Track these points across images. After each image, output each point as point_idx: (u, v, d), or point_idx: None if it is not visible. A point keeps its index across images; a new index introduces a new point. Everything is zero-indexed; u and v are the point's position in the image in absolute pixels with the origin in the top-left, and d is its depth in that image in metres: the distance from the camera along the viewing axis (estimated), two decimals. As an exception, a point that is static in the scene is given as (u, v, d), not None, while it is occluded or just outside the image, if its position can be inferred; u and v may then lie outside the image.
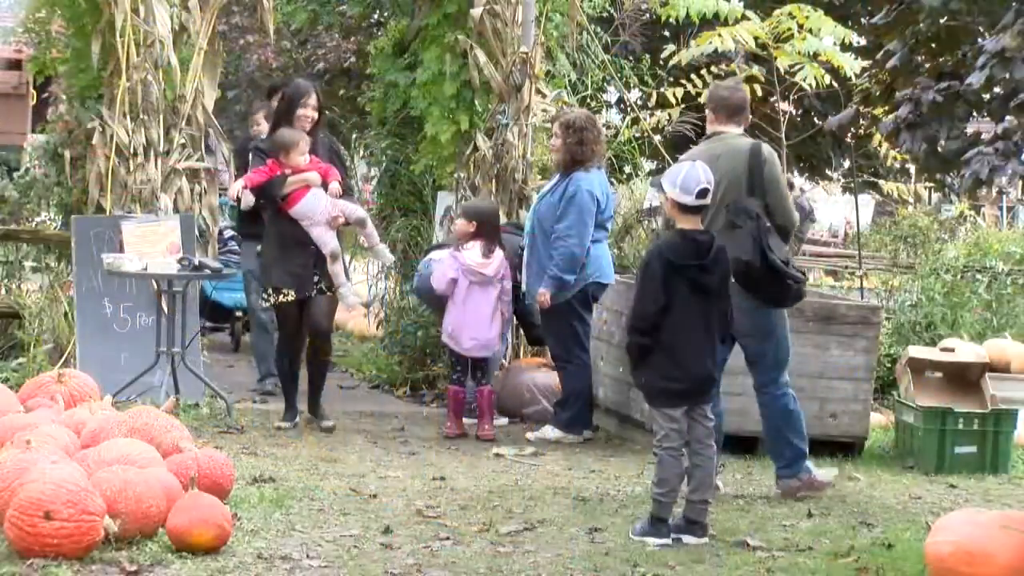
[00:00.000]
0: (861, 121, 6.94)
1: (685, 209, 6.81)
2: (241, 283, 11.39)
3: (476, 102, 10.95)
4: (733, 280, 7.10)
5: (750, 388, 8.92)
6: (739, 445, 8.92)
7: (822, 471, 7.98)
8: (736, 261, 7.19)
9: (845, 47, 11.99)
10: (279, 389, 9.86)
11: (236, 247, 11.72)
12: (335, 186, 9.15)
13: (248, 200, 9.21)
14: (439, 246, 10.35)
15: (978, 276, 12.52)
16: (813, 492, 7.81)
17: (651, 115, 12.23)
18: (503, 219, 10.20)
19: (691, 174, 6.79)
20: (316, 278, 9.13)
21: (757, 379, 7.93)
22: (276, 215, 9.16)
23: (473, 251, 9.26)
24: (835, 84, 11.78)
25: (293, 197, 9.04)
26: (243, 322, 12.78)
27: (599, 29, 12.68)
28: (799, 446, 7.82)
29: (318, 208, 9.07)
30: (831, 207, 26.57)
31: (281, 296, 9.13)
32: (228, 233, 12.13)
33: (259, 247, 9.65)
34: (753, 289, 7.49)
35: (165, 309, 9.37)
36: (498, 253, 9.33)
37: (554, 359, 9.70)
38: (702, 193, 6.77)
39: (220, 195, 11.60)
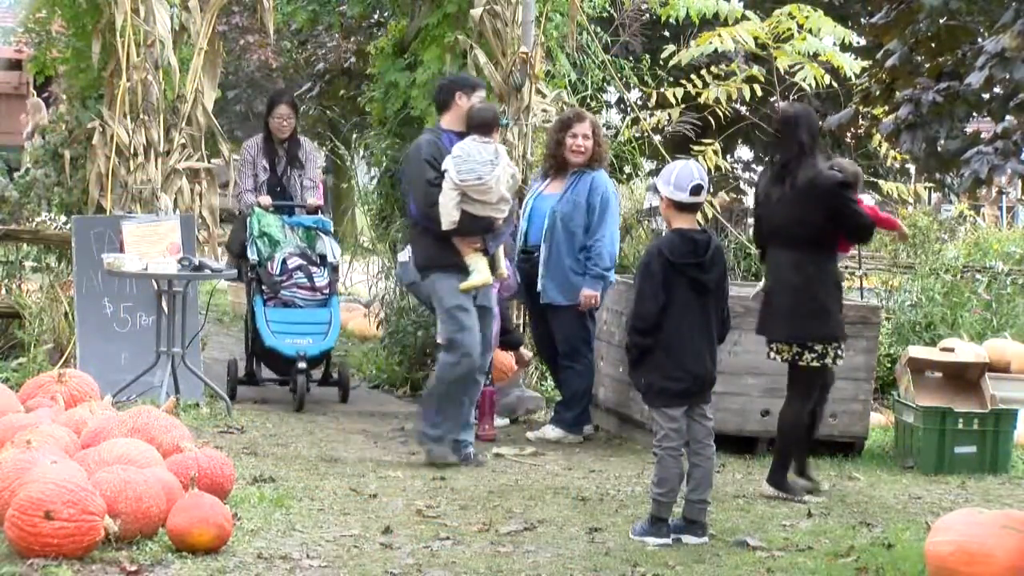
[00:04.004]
0: (861, 121, 6.92)
1: (681, 207, 6.83)
2: (302, 327, 10.16)
3: (476, 102, 10.93)
4: None
5: (751, 388, 8.94)
6: (739, 445, 8.93)
7: None
8: None
9: (845, 47, 11.99)
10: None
11: (304, 279, 10.31)
12: None
13: (453, 218, 8.17)
14: None
15: (978, 276, 12.52)
16: None
17: (651, 115, 12.23)
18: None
19: (684, 172, 6.82)
20: None
21: None
22: (831, 255, 8.02)
23: None
24: (835, 84, 11.78)
25: None
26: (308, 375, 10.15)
27: (599, 29, 12.68)
28: None
29: None
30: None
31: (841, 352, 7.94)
32: (294, 262, 10.35)
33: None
34: None
35: (165, 309, 9.37)
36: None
37: (562, 358, 9.63)
38: (696, 190, 6.79)
39: (294, 211, 10.64)
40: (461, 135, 8.45)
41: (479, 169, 8.21)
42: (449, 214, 8.20)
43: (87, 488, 5.82)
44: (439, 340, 9.15)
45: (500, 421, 9.71)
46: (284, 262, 10.31)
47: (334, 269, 10.57)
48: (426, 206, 8.31)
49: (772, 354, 7.93)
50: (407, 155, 8.74)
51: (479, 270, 8.37)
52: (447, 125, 8.56)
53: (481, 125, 8.38)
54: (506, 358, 10.14)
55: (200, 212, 10.55)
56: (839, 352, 7.85)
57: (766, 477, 7.93)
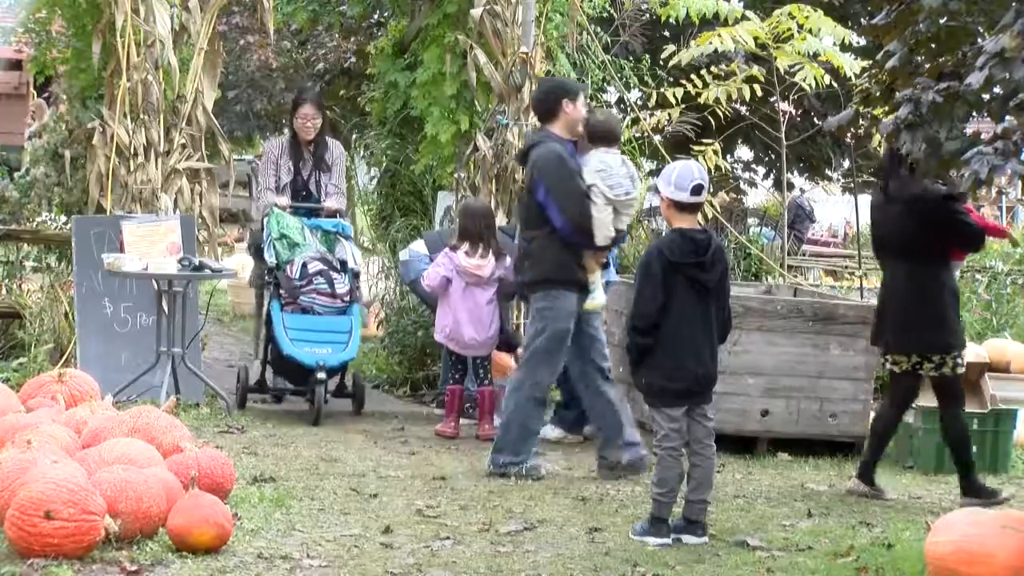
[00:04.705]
0: (861, 121, 6.93)
1: (681, 207, 6.83)
2: (322, 335, 9.71)
3: (476, 102, 10.94)
4: None
5: (750, 388, 8.94)
6: (739, 445, 8.93)
7: None
8: None
9: (845, 47, 11.99)
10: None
11: (325, 285, 9.82)
12: None
13: (610, 234, 7.93)
14: (421, 236, 10.35)
15: (978, 276, 12.53)
16: None
17: (651, 115, 12.23)
18: (503, 221, 10.20)
19: (684, 172, 6.83)
20: None
21: None
22: (944, 264, 8.08)
23: (463, 251, 9.27)
24: (835, 84, 11.79)
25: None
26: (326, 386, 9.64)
27: (599, 29, 12.68)
28: None
29: None
30: (831, 207, 26.57)
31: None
32: (315, 266, 9.82)
33: None
34: None
35: (165, 309, 9.38)
36: (492, 253, 9.30)
37: None
38: (696, 189, 6.79)
39: (315, 214, 10.23)
40: (573, 143, 8.24)
41: (625, 183, 8.10)
42: (607, 228, 8.01)
43: (87, 488, 5.82)
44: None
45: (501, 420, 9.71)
46: (304, 266, 9.81)
47: (355, 276, 10.10)
48: (581, 218, 7.99)
49: (888, 365, 7.99)
50: (542, 165, 8.09)
51: (599, 288, 8.21)
52: (558, 133, 8.21)
53: (607, 136, 8.24)
54: (506, 358, 10.13)
55: (200, 212, 10.55)
56: (958, 360, 7.86)
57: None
